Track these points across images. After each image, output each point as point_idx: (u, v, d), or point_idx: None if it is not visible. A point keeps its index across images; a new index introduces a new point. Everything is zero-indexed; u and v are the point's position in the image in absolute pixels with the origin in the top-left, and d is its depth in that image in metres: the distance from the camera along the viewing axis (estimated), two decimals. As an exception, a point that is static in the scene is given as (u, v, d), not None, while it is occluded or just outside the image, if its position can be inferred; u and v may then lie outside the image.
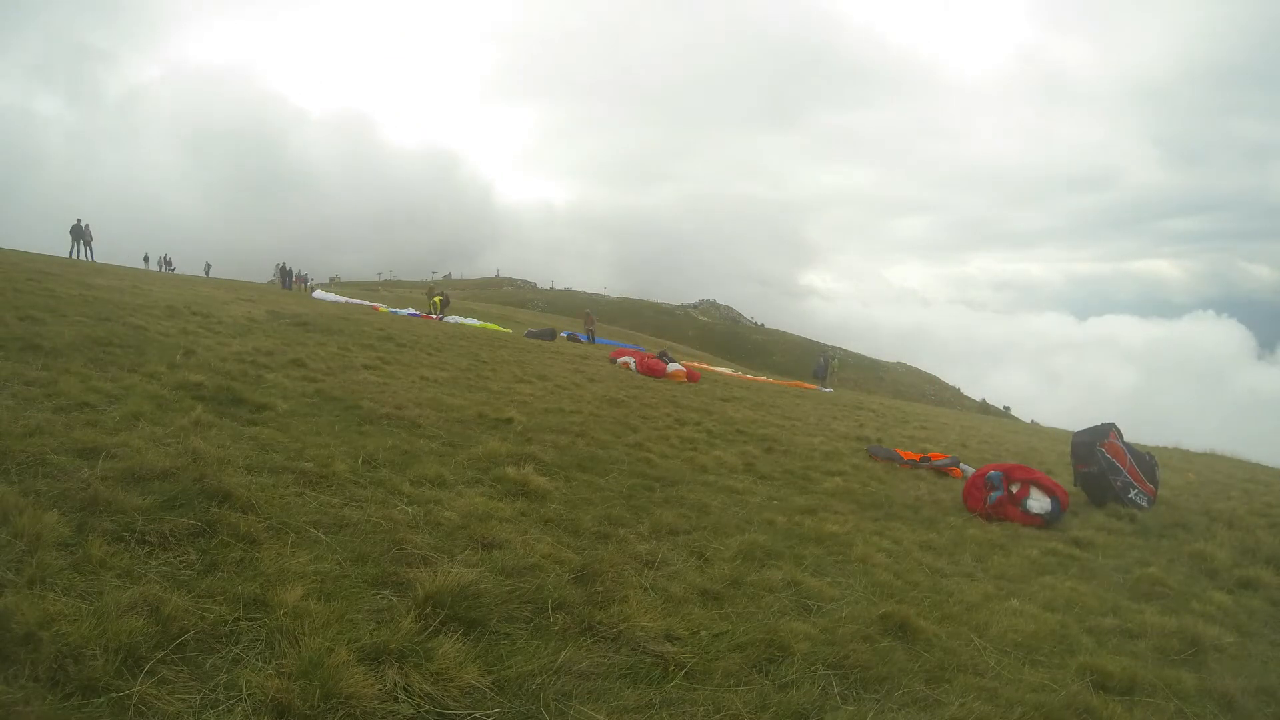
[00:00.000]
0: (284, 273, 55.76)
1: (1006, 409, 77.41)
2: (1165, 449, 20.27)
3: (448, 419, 8.66)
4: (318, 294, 42.18)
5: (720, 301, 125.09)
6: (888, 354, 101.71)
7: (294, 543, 4.21)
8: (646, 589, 4.62)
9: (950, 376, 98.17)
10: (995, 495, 8.68)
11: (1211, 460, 21.03)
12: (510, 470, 6.54)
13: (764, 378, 35.63)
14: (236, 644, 3.15)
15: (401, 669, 3.18)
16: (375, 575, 4.04)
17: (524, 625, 3.88)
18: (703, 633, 4.15)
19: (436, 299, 40.49)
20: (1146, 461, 10.43)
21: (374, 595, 3.83)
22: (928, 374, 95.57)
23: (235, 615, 3.32)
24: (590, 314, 45.62)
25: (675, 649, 3.88)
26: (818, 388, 33.21)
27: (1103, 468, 9.96)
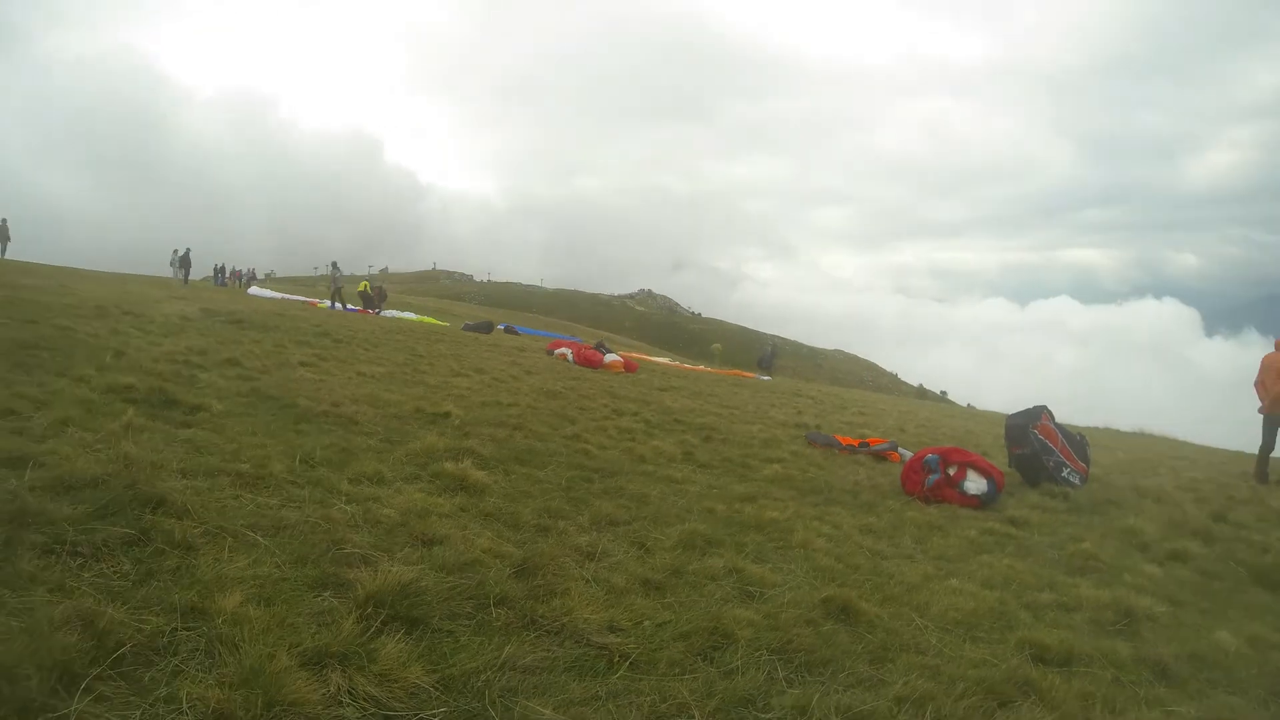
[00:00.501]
0: (217, 270, 54.85)
1: (943, 394, 79.08)
2: (1096, 429, 20.95)
3: (385, 415, 8.61)
4: (253, 290, 41.32)
5: (657, 291, 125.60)
6: (826, 341, 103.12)
7: (231, 547, 4.15)
8: (588, 581, 4.64)
9: (891, 362, 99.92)
10: (933, 478, 8.88)
11: (1141, 439, 21.84)
12: (449, 465, 6.52)
13: (701, 367, 35.90)
14: (175, 655, 3.10)
15: (345, 672, 3.16)
16: (315, 577, 4.00)
17: (467, 622, 3.87)
18: (646, 623, 4.20)
19: (364, 285, 39.94)
20: (1078, 441, 10.80)
21: (314, 597, 3.79)
22: (866, 360, 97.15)
23: (173, 625, 3.26)
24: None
25: (619, 640, 3.92)
26: (756, 376, 33.45)
27: (1036, 449, 10.26)
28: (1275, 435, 12.75)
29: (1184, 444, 21.47)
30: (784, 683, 3.80)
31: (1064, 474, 10.26)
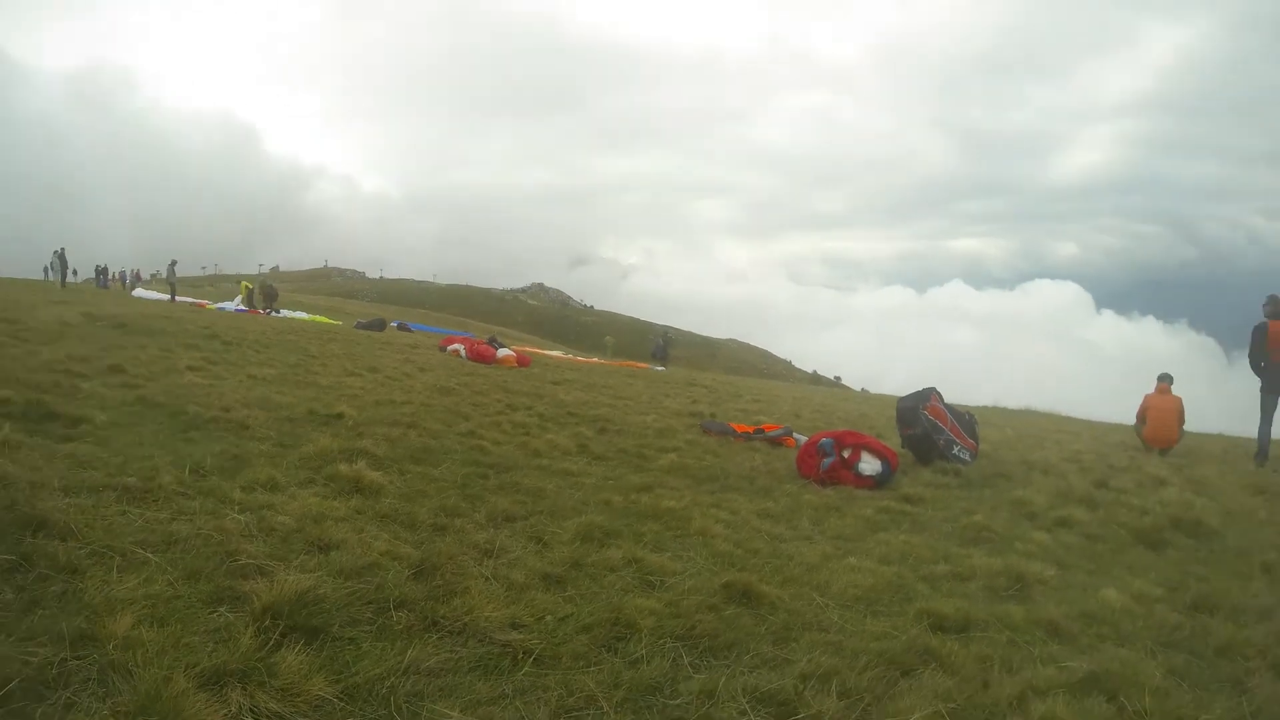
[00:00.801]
0: (99, 271, 52.53)
1: (838, 379, 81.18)
2: (986, 408, 21.83)
3: (277, 418, 8.38)
4: (138, 293, 39.42)
5: (549, 285, 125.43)
6: (720, 331, 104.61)
7: (120, 567, 3.90)
8: (488, 578, 4.55)
9: (788, 349, 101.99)
10: (828, 461, 9.04)
11: (1028, 416, 22.84)
12: (343, 467, 6.36)
13: (595, 359, 35.93)
14: (67, 687, 2.88)
15: (245, 689, 3.01)
16: (209, 592, 3.80)
17: (367, 627, 3.75)
18: (548, 617, 4.13)
19: (245, 285, 38.69)
20: (966, 420, 11.21)
21: (210, 614, 3.60)
22: (759, 349, 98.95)
23: (62, 655, 3.03)
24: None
25: (522, 637, 3.85)
26: (650, 367, 33.65)
27: (926, 429, 10.58)
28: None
29: (1068, 419, 22.54)
30: (689, 668, 3.79)
31: (955, 451, 10.60)
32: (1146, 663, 4.23)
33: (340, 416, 8.89)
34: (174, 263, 47.41)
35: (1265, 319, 12.70)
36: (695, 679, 3.65)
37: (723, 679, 3.62)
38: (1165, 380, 14.13)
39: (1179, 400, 13.89)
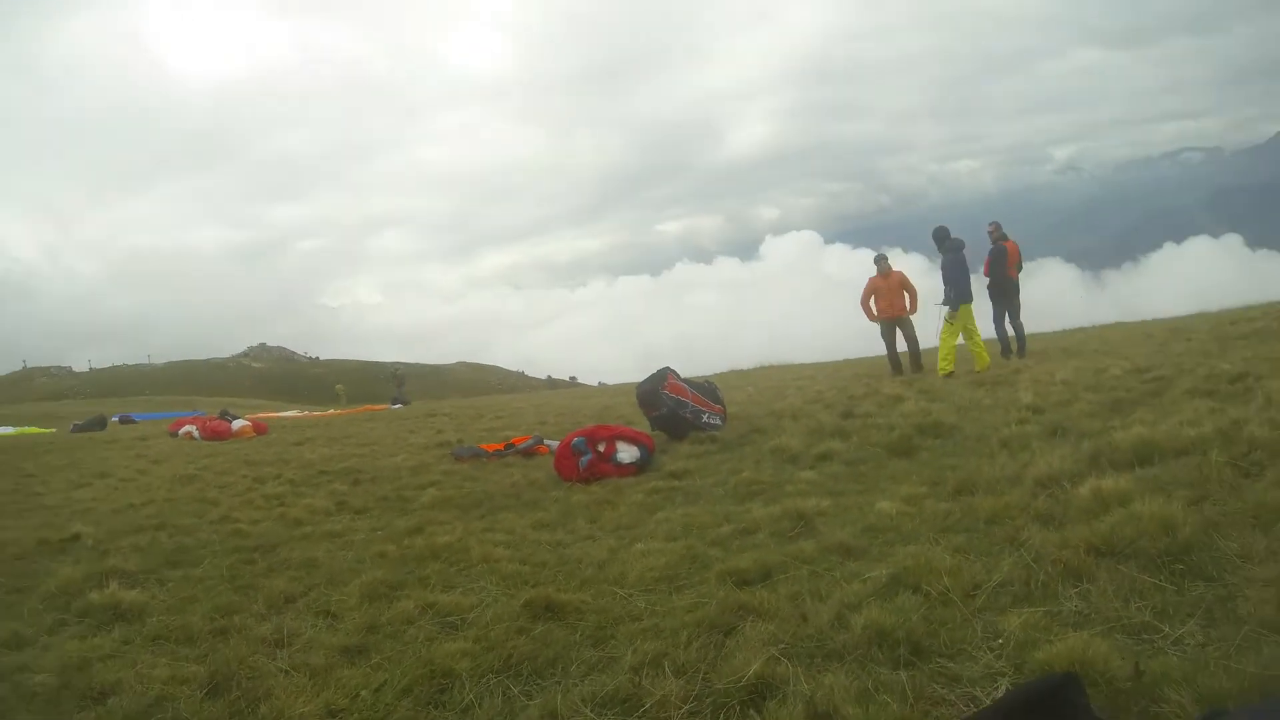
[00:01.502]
0: None
1: (573, 379, 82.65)
2: (722, 374, 23.07)
3: (2, 558, 7.37)
4: None
5: (271, 344, 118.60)
6: (448, 356, 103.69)
7: None
8: (287, 671, 4.27)
9: (526, 353, 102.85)
10: (586, 459, 9.26)
11: (764, 371, 24.37)
12: (95, 596, 5.69)
13: (331, 410, 34.50)
14: None
15: None
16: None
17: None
18: (363, 693, 3.94)
19: None
20: (707, 389, 11.89)
21: None
22: (490, 366, 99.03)
23: None
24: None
25: (345, 722, 3.66)
26: (388, 407, 32.86)
27: (670, 407, 11.10)
28: (894, 336, 15.99)
29: (803, 366, 24.33)
30: (522, 697, 3.76)
31: (705, 419, 11.18)
32: (934, 550, 4.73)
33: (77, 538, 7.97)
34: None
35: (997, 243, 15.86)
36: (532, 705, 3.63)
37: (559, 696, 3.62)
38: (882, 261, 16.06)
39: (901, 274, 15.90)
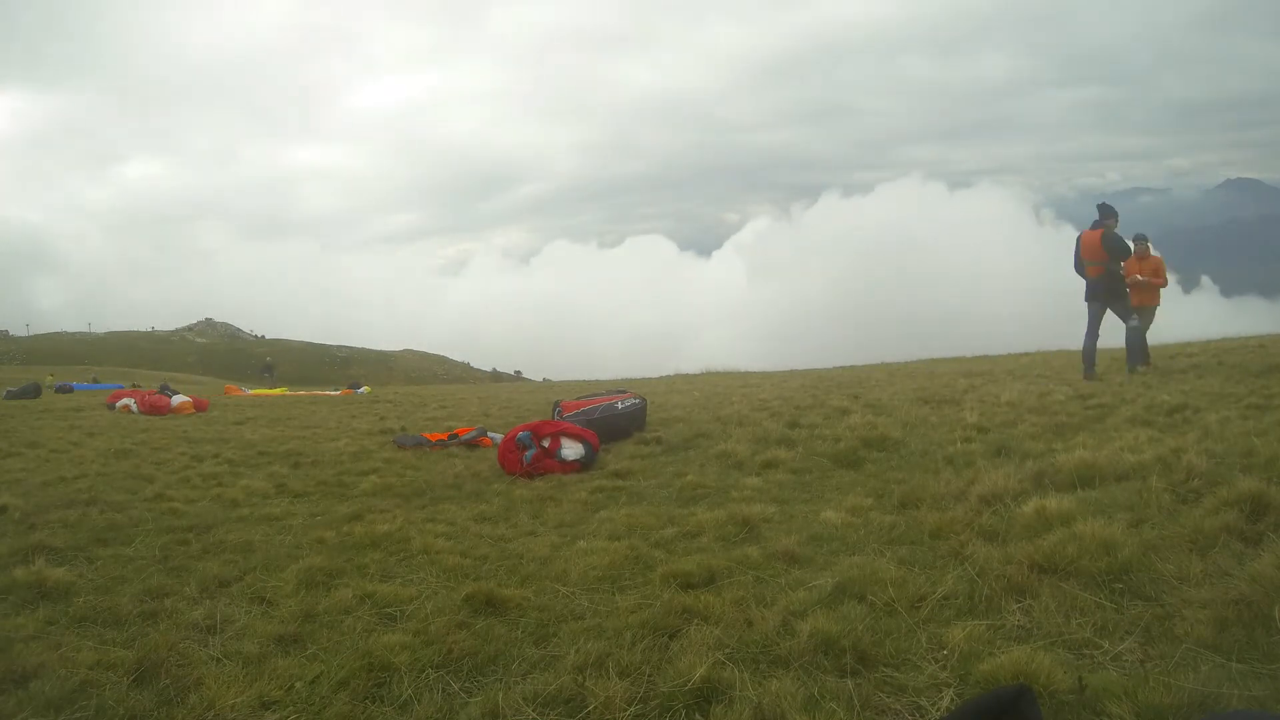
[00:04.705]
0: None
1: (518, 373, 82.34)
2: (670, 377, 23.16)
3: None
4: None
5: (218, 319, 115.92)
6: (394, 343, 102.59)
7: None
8: (219, 659, 4.13)
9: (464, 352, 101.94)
10: (530, 453, 9.24)
11: (710, 377, 24.53)
12: (19, 572, 5.45)
13: (279, 390, 34.01)
14: None
15: None
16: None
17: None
18: (298, 684, 3.82)
19: None
20: (604, 396, 12.19)
21: None
22: (436, 355, 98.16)
23: None
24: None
25: (277, 715, 3.55)
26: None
27: (602, 414, 11.25)
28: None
29: (748, 373, 24.52)
30: (462, 694, 3.69)
31: (620, 407, 11.60)
32: (879, 561, 4.80)
33: (3, 510, 7.64)
34: None
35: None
36: (473, 702, 3.56)
37: (500, 694, 3.56)
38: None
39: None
